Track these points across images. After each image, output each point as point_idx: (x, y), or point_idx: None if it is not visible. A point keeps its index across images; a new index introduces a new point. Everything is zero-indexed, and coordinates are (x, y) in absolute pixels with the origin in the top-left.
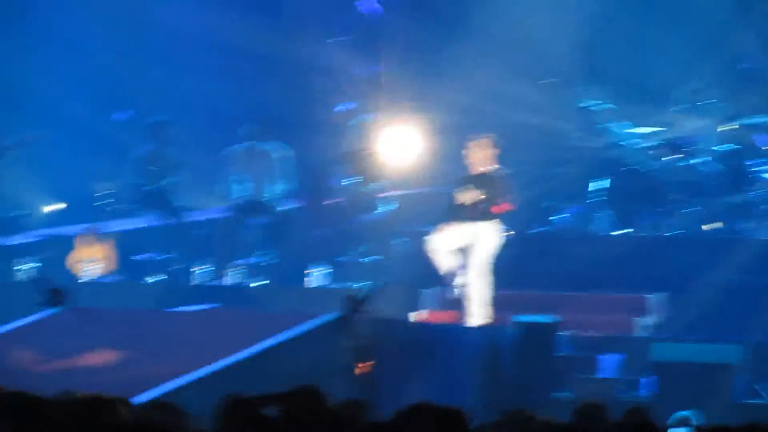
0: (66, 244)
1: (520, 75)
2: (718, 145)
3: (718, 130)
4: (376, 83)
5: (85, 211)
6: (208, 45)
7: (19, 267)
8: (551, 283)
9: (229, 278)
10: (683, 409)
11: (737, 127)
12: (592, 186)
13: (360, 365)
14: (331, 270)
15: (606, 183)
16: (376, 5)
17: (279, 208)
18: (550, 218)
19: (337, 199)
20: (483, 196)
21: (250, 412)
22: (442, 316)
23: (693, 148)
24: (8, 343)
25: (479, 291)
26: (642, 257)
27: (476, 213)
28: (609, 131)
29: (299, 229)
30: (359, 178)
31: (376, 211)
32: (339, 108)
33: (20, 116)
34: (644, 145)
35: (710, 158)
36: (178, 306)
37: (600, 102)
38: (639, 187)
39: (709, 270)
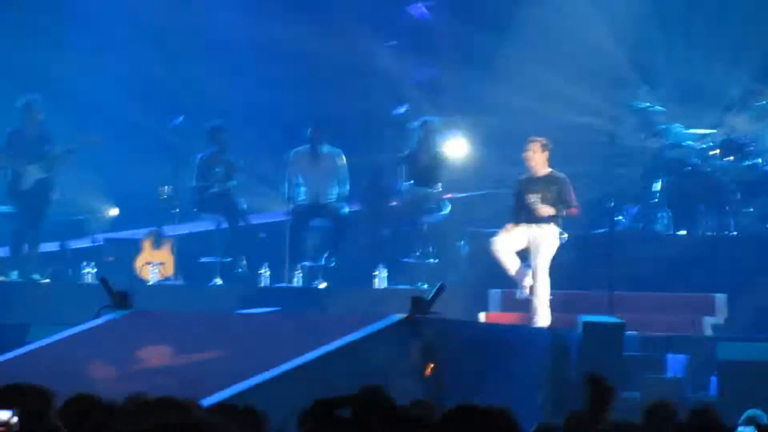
0: (132, 248)
1: (574, 77)
2: None
3: None
4: (432, 86)
5: (147, 214)
6: (270, 52)
7: (86, 270)
8: (616, 283)
9: (295, 280)
10: (749, 409)
11: None
12: (654, 186)
13: (427, 366)
14: (397, 271)
15: (667, 183)
16: (425, 10)
17: (341, 211)
18: (613, 219)
19: (396, 202)
20: (546, 198)
21: (330, 414)
22: (509, 317)
23: (754, 148)
24: (75, 347)
25: (545, 292)
26: (705, 257)
27: (538, 215)
28: (668, 132)
29: (362, 231)
30: (418, 180)
31: (439, 213)
32: (397, 111)
33: (76, 119)
34: (704, 145)
35: None
36: (244, 308)
37: (649, 105)
38: (700, 187)
39: None
